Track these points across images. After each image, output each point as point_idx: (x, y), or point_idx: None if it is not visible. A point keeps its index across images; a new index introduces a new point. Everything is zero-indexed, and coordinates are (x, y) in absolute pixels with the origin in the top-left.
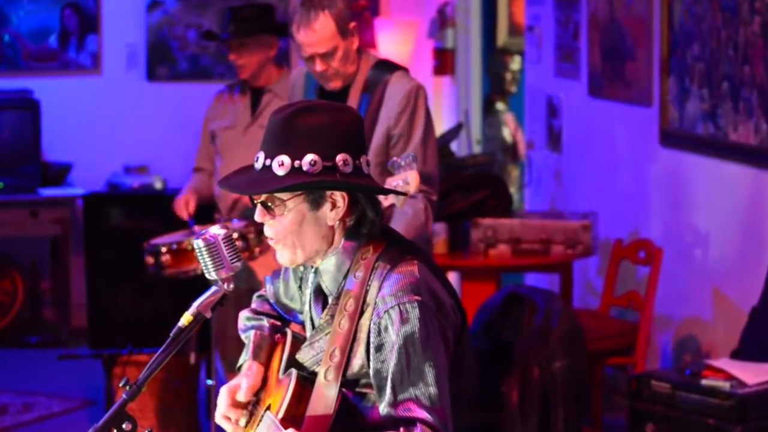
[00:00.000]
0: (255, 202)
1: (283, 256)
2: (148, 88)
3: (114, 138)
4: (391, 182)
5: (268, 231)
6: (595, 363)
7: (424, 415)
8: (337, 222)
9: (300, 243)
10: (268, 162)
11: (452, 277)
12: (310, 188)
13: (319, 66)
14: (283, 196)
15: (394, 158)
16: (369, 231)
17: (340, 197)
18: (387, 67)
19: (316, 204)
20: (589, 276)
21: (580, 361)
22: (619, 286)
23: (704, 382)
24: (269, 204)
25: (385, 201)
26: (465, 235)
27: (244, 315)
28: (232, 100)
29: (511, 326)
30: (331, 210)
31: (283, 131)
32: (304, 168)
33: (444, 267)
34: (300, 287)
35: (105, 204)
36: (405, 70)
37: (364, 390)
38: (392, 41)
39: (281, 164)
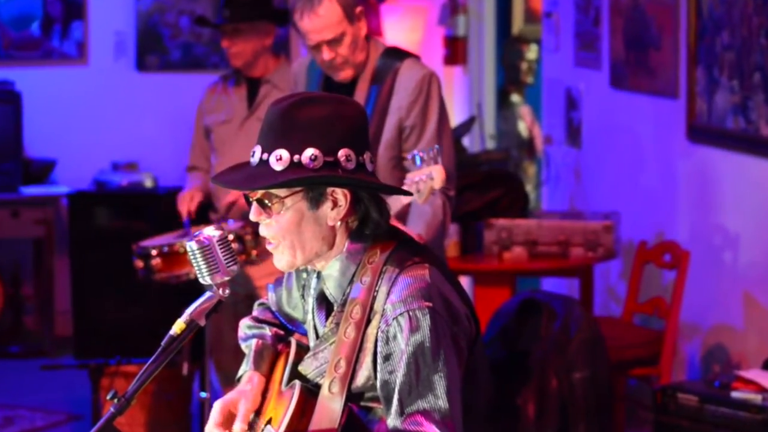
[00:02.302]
0: (250, 199)
1: (282, 260)
2: (137, 79)
3: (101, 132)
4: (413, 178)
5: (264, 231)
6: (617, 374)
7: (433, 429)
8: (339, 223)
9: (300, 244)
10: (265, 156)
11: (464, 281)
12: (311, 184)
13: (326, 54)
14: (281, 192)
15: (415, 151)
16: (373, 233)
17: (341, 195)
18: (397, 54)
19: (315, 202)
20: (611, 281)
21: (602, 371)
22: (643, 291)
23: (734, 394)
24: (266, 201)
25: (405, 198)
26: (478, 236)
27: (245, 323)
28: (227, 92)
29: (527, 334)
30: (332, 209)
31: (282, 124)
32: (304, 163)
33: (455, 271)
34: (303, 295)
35: (91, 203)
36: (416, 57)
37: (370, 404)
38: (400, 29)
39: (279, 158)
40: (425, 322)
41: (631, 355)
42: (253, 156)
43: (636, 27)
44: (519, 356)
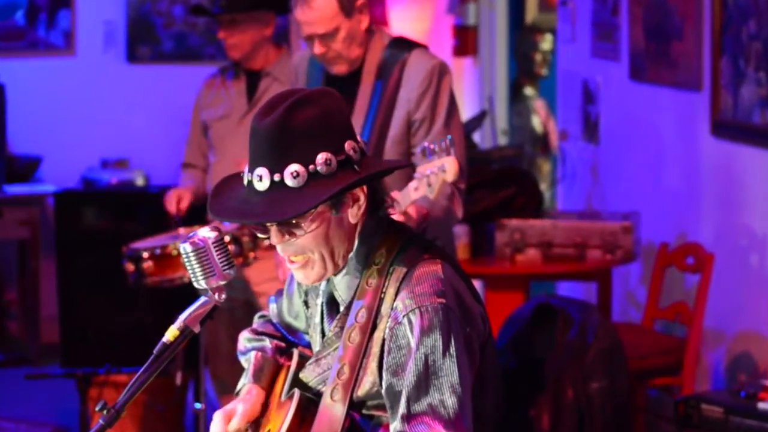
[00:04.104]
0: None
1: (312, 275)
2: (128, 71)
3: (89, 128)
4: (424, 171)
5: (288, 250)
6: (637, 384)
7: (441, 431)
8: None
9: (329, 253)
10: (277, 177)
11: (475, 285)
12: (341, 194)
13: (317, 48)
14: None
15: (426, 143)
16: (384, 216)
17: (359, 191)
18: (404, 45)
19: (340, 205)
20: (631, 285)
21: (621, 381)
22: (664, 296)
23: (761, 405)
24: (294, 222)
25: (415, 192)
26: (489, 238)
27: (244, 336)
28: (225, 85)
29: (541, 342)
30: (352, 206)
31: (280, 137)
32: (320, 170)
33: None
34: (305, 302)
35: (79, 203)
36: (424, 47)
37: (372, 411)
38: (406, 17)
39: (296, 175)
40: (437, 319)
41: (652, 364)
42: (259, 181)
43: (657, 16)
44: (533, 365)
